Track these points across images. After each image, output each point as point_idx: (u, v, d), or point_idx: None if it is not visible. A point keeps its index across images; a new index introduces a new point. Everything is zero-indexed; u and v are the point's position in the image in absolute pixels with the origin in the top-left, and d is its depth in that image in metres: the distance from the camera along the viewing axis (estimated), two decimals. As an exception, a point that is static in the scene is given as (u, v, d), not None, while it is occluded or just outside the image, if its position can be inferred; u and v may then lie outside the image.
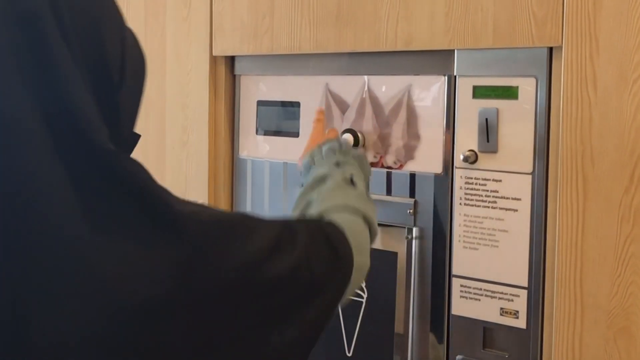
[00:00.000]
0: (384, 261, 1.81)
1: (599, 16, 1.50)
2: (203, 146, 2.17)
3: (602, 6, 1.50)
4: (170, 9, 2.23)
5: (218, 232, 0.94)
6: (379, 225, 1.84)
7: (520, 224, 1.64)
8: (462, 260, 1.72)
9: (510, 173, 1.65)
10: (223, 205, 2.16)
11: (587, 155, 1.52)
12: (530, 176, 1.62)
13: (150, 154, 2.26)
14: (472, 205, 1.70)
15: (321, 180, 1.38)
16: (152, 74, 2.29)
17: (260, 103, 2.09)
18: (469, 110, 1.69)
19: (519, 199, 1.64)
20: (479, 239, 1.69)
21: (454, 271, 1.73)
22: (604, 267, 1.52)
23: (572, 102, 1.54)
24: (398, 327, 1.81)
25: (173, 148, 2.24)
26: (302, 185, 1.41)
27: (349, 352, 1.87)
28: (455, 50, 1.70)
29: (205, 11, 2.14)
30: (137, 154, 0.97)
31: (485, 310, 1.69)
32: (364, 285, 1.84)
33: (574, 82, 1.53)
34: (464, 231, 1.71)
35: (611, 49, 1.49)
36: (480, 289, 1.69)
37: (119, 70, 0.97)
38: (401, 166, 1.81)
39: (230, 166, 2.17)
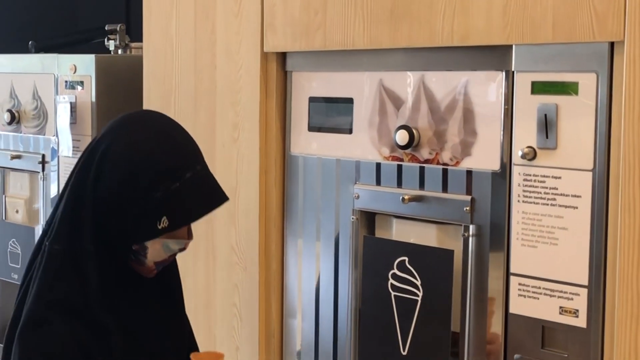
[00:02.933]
0: (439, 259, 1.79)
1: (663, 10, 1.47)
2: (254, 143, 2.16)
3: (666, -1, 1.47)
4: (221, 4, 2.23)
5: None
6: (435, 222, 1.84)
7: (580, 221, 1.61)
8: (521, 258, 1.69)
9: (570, 170, 1.62)
10: (275, 202, 2.15)
11: (651, 152, 1.50)
12: (590, 173, 1.60)
13: (200, 150, 2.26)
14: (530, 203, 1.67)
15: None
16: (202, 70, 2.29)
17: (312, 99, 2.08)
18: (528, 106, 1.67)
19: (579, 196, 1.61)
20: (538, 236, 1.67)
21: (512, 269, 1.71)
22: (668, 266, 1.49)
23: (634, 97, 1.51)
24: (454, 326, 1.79)
25: (224, 145, 2.24)
26: None
27: (404, 351, 1.86)
28: (514, 46, 1.68)
29: (256, 7, 2.13)
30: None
31: (544, 309, 1.66)
32: (419, 283, 1.82)
33: (636, 78, 1.50)
34: (522, 229, 1.69)
35: (676, 43, 1.46)
36: (539, 288, 1.67)
37: None
38: (457, 163, 1.79)
39: (282, 163, 2.16)
